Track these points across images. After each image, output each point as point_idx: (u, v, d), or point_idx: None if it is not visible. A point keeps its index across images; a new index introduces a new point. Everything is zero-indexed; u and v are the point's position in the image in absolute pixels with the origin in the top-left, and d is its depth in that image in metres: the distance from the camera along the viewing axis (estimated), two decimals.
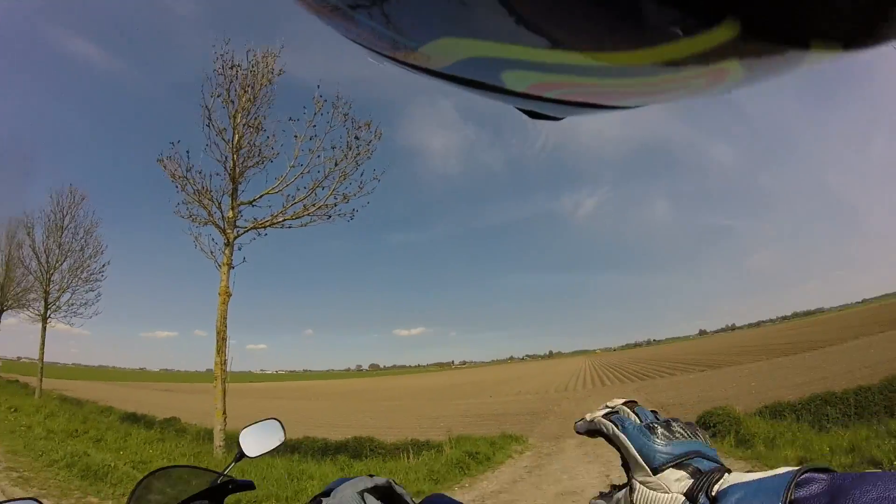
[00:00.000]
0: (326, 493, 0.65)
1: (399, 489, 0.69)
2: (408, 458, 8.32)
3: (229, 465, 1.36)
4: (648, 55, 0.18)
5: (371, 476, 0.68)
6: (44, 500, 1.17)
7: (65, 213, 16.63)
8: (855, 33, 0.17)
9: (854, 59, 0.18)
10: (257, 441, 1.47)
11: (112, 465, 7.45)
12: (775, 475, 0.39)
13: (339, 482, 0.66)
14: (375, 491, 0.67)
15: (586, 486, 5.97)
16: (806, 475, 0.38)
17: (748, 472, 0.43)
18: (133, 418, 13.43)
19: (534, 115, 0.31)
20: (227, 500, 1.23)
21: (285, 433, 1.56)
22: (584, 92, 0.24)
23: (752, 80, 0.20)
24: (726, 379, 19.50)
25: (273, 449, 1.49)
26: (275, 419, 1.55)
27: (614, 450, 0.53)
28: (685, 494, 0.44)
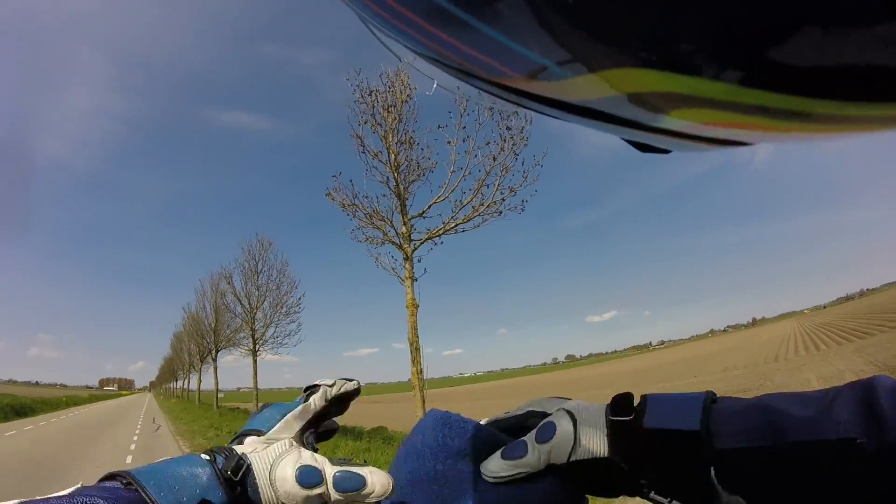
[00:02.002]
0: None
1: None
2: None
3: None
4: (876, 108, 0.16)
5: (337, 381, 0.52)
6: None
7: (257, 259, 19.10)
8: None
9: None
10: None
11: None
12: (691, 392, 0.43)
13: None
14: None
15: None
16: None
17: None
18: (343, 430, 14.55)
19: (643, 147, 0.28)
20: None
21: None
22: (759, 134, 0.20)
23: None
24: None
25: None
26: None
27: None
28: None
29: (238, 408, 30.60)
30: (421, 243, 8.48)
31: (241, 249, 19.42)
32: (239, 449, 0.41)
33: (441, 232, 8.38)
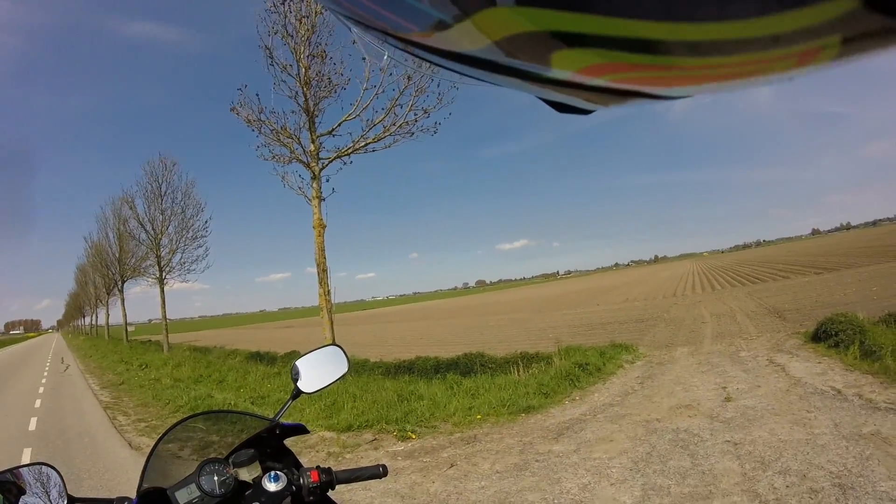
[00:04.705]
0: None
1: None
2: (518, 371, 8.27)
3: (284, 405, 1.19)
4: (748, 27, 0.15)
5: None
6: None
7: (160, 181, 17.79)
8: None
9: None
10: (316, 374, 1.25)
11: (232, 403, 8.03)
12: None
13: None
14: None
15: (702, 399, 5.56)
16: None
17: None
18: (257, 357, 14.56)
19: (562, 107, 0.27)
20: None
21: (349, 361, 1.32)
22: (644, 76, 0.20)
23: (844, 60, 0.17)
24: (844, 283, 17.94)
25: (335, 381, 1.26)
26: (335, 345, 1.32)
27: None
28: None
29: (150, 340, 29.34)
30: (329, 161, 8.23)
31: (144, 171, 18.03)
32: None
33: (350, 150, 8.13)
